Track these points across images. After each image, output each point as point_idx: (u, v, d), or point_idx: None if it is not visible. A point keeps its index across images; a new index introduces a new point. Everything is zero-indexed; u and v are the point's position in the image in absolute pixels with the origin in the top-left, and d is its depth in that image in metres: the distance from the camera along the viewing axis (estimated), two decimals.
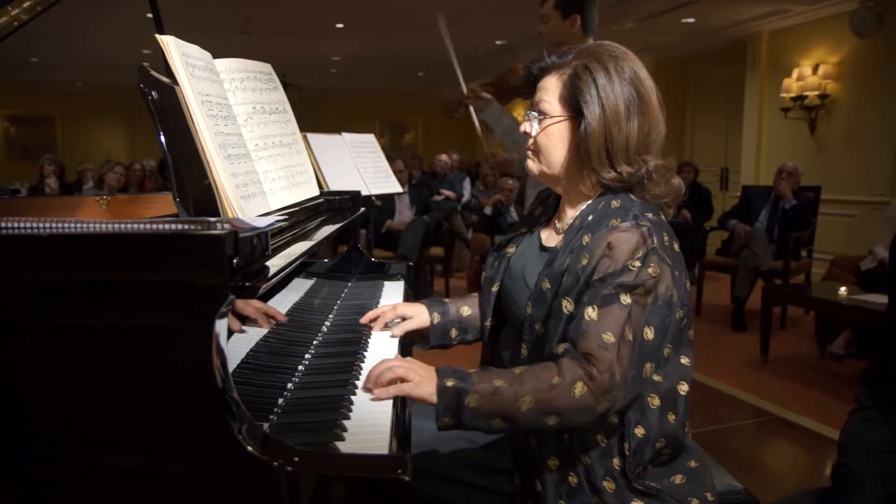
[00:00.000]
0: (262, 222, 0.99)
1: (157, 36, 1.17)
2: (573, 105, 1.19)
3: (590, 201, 1.23)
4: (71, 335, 0.82)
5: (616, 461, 1.15)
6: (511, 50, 8.27)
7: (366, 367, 1.21)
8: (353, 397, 1.08)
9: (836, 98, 6.16)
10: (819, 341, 4.15)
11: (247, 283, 0.91)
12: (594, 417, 1.08)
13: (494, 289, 1.38)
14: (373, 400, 1.07)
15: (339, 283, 1.86)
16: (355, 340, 1.38)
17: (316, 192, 1.72)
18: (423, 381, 1.07)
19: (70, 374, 0.82)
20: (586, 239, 1.15)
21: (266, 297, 1.19)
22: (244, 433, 0.80)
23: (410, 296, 1.82)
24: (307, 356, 1.28)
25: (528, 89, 1.31)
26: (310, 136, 2.57)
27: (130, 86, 1.03)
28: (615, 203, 1.18)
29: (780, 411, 3.23)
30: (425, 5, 4.64)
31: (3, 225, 0.85)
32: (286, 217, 1.32)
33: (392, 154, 4.94)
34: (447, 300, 1.49)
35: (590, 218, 1.19)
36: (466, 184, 7.74)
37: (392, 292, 1.85)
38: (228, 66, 1.41)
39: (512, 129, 2.47)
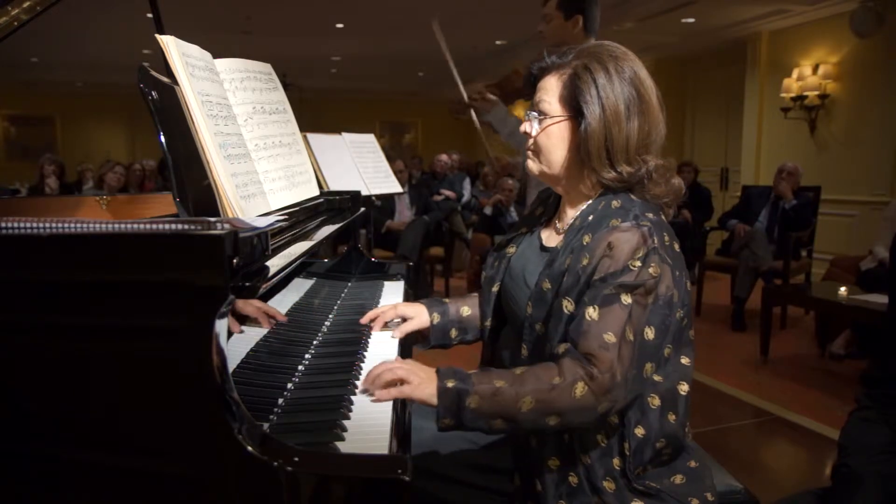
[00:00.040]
0: (262, 222, 0.99)
1: (157, 36, 1.17)
2: (573, 105, 1.19)
3: (590, 201, 1.23)
4: (71, 335, 0.82)
5: (616, 461, 1.15)
6: (511, 50, 8.26)
7: (366, 367, 1.21)
8: (353, 397, 1.08)
9: (836, 98, 6.16)
10: (819, 341, 4.15)
11: (247, 283, 0.91)
12: (595, 417, 1.08)
13: (494, 289, 1.38)
14: (373, 401, 1.07)
15: (339, 283, 1.86)
16: (355, 340, 1.38)
17: (316, 192, 1.72)
18: (423, 382, 1.07)
19: (70, 374, 0.82)
20: (587, 239, 1.15)
21: (266, 297, 1.19)
22: (244, 433, 0.80)
23: (410, 296, 1.82)
24: (307, 356, 1.28)
25: (528, 90, 1.31)
26: (310, 136, 2.57)
27: (130, 86, 1.03)
28: (615, 203, 1.18)
29: (780, 411, 3.23)
30: (425, 5, 4.64)
31: (3, 225, 0.85)
32: (286, 217, 1.32)
33: (392, 154, 4.94)
34: (447, 300, 1.49)
35: (590, 218, 1.19)
36: (466, 184, 7.74)
37: (392, 292, 1.85)
38: (228, 66, 1.41)
39: (517, 130, 2.47)
